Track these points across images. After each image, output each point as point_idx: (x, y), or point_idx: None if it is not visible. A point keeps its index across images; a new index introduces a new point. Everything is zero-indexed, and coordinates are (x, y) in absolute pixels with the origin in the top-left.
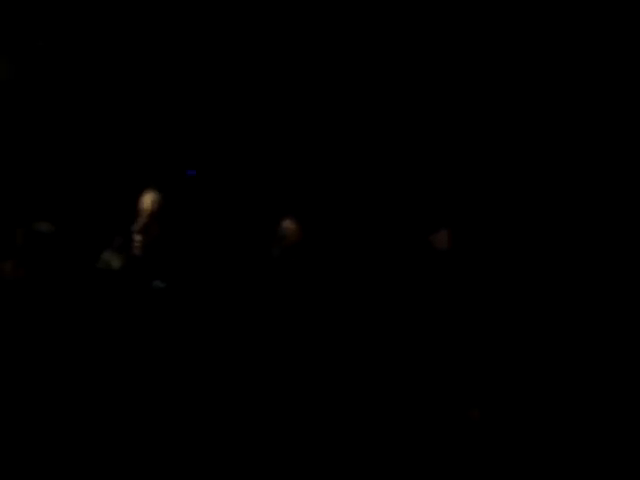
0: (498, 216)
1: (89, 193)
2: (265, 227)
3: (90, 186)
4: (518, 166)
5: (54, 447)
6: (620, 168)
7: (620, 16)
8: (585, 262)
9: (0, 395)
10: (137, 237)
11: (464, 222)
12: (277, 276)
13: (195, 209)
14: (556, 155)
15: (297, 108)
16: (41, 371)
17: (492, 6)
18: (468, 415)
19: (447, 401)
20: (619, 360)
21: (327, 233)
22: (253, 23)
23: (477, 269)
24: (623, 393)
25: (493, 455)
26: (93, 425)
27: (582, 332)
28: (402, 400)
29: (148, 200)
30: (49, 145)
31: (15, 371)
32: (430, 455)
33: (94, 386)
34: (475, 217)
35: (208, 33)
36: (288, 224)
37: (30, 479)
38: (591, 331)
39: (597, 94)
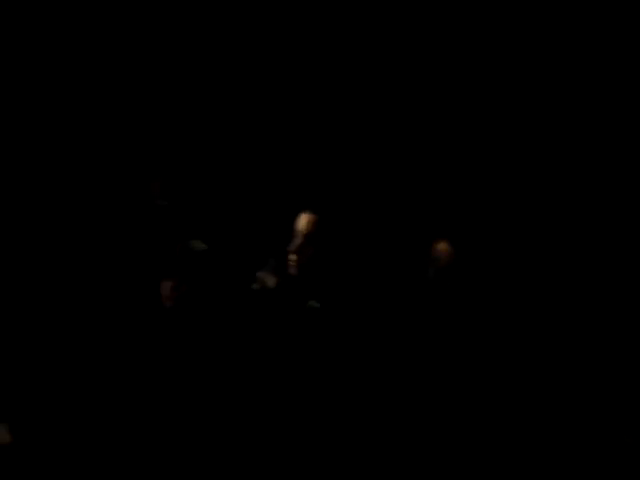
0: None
1: (245, 214)
2: (420, 248)
3: (246, 207)
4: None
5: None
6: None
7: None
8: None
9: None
10: (292, 257)
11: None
12: (431, 297)
13: (349, 230)
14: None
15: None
16: (197, 386)
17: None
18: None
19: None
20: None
21: (479, 255)
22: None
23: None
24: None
25: None
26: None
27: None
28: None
29: (304, 221)
30: (203, 168)
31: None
32: None
33: (247, 400)
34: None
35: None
36: (442, 246)
37: None
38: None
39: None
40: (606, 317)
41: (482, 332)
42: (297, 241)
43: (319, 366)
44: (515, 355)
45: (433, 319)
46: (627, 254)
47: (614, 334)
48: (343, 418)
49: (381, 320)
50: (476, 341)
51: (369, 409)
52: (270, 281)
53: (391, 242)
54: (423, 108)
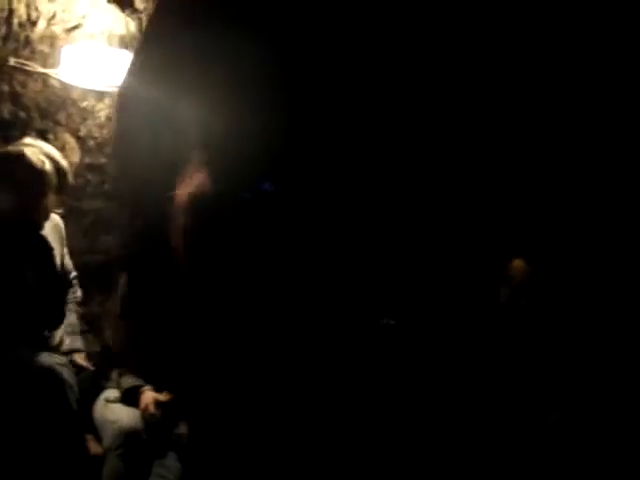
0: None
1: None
2: (495, 266)
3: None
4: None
5: None
6: None
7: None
8: None
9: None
10: None
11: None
12: (506, 315)
13: (422, 247)
14: None
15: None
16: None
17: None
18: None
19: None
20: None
21: (555, 273)
22: None
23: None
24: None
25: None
26: None
27: None
28: None
29: None
30: None
31: None
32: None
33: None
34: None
35: None
36: (518, 263)
37: None
38: None
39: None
40: None
41: (558, 352)
42: None
43: (393, 382)
44: (596, 378)
45: (508, 340)
46: None
47: None
48: (413, 433)
49: (454, 338)
50: (551, 360)
51: (443, 426)
52: None
53: (465, 259)
54: (489, 114)
